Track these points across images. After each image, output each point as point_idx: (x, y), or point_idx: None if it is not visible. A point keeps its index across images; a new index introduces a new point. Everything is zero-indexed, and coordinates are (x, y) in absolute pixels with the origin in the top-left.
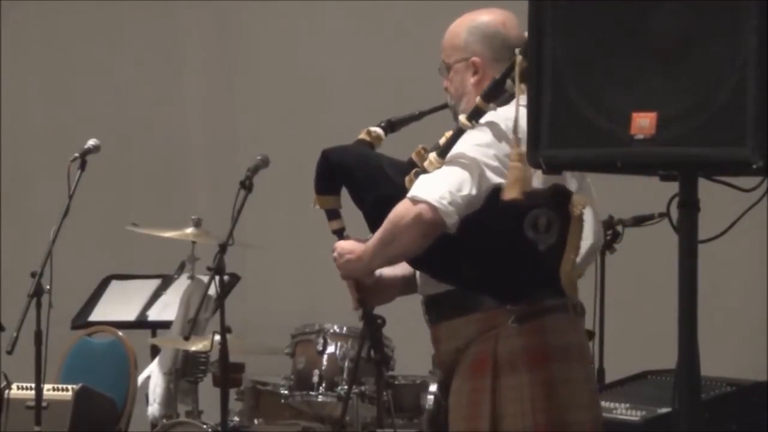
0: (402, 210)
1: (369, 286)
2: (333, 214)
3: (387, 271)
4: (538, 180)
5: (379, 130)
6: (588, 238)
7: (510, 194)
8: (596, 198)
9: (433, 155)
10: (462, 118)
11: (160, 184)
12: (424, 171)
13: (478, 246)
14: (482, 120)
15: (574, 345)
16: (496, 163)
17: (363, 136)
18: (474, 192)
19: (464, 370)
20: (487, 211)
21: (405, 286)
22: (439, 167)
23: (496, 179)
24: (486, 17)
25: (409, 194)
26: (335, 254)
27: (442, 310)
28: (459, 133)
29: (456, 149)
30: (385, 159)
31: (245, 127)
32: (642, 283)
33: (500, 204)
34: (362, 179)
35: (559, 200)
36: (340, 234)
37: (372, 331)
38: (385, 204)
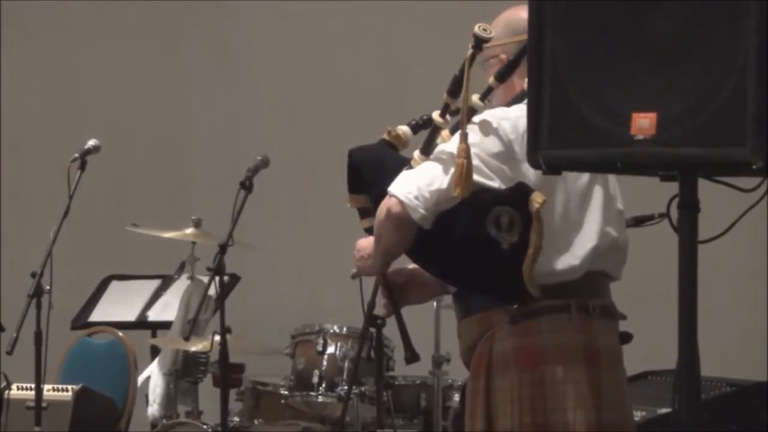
0: (381, 205)
1: (401, 284)
2: (363, 213)
3: (421, 270)
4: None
5: (404, 129)
6: (591, 239)
7: (454, 191)
8: (616, 196)
9: (416, 152)
10: (435, 114)
11: (160, 184)
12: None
13: (461, 245)
14: (475, 118)
15: (576, 346)
16: (475, 161)
17: (384, 135)
18: (444, 186)
19: (470, 370)
20: (464, 209)
21: (442, 285)
22: (421, 164)
23: (473, 177)
24: (524, 14)
25: (388, 189)
26: (354, 251)
27: (457, 309)
28: (435, 129)
29: (441, 146)
30: (393, 157)
31: (245, 127)
32: (642, 283)
33: (469, 202)
34: (369, 177)
35: (521, 198)
36: (370, 232)
37: (401, 327)
38: (381, 200)
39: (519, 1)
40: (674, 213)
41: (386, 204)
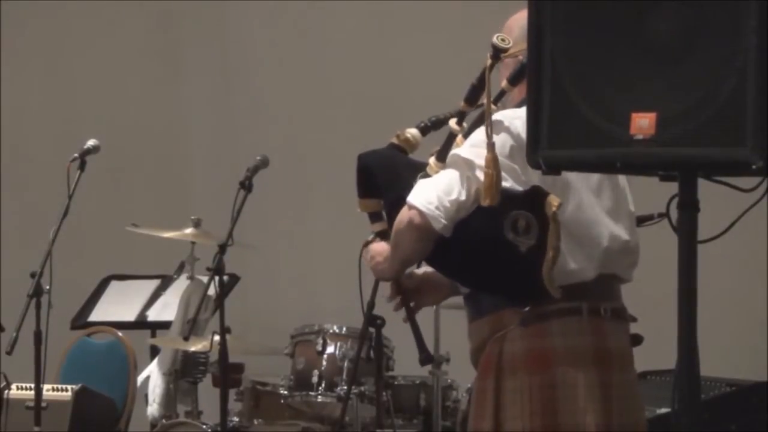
0: (401, 215)
1: (412, 287)
2: (374, 217)
3: (434, 273)
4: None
5: (413, 132)
6: (602, 241)
7: (483, 200)
8: (627, 197)
9: (432, 159)
10: (452, 122)
11: (160, 184)
12: (428, 175)
13: (477, 248)
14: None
15: (586, 349)
16: None
17: (393, 139)
18: (463, 197)
19: (478, 369)
20: (481, 214)
21: (454, 287)
22: (438, 171)
23: None
24: None
25: (407, 199)
26: (368, 256)
27: (469, 310)
28: (451, 136)
29: (454, 150)
30: (405, 161)
31: (245, 127)
32: (641, 283)
33: (486, 207)
34: (381, 182)
35: (537, 201)
36: (382, 236)
37: (415, 329)
38: (397, 206)
39: (520, 1)
40: (674, 213)
41: (407, 215)
